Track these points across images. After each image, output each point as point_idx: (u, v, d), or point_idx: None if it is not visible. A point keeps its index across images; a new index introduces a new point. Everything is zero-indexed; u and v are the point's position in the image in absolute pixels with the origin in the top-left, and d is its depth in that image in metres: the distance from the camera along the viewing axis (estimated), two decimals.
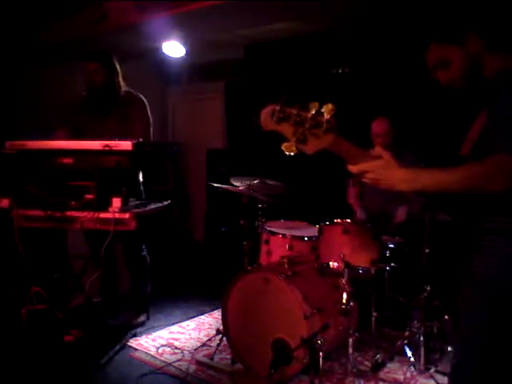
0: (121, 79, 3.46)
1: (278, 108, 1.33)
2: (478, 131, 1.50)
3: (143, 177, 3.53)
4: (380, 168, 1.37)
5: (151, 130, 3.45)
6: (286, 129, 1.32)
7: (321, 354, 2.34)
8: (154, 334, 3.44)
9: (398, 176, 1.35)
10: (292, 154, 1.31)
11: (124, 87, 3.48)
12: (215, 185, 3.38)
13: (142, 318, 3.61)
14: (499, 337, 1.35)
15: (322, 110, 1.31)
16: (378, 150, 1.40)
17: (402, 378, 2.77)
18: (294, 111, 1.32)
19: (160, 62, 5.55)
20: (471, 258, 1.41)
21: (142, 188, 3.49)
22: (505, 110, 1.28)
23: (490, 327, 1.37)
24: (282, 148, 1.31)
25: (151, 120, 3.47)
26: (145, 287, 3.63)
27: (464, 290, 1.44)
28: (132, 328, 3.47)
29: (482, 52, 1.47)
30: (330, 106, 1.31)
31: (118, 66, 3.45)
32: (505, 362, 1.35)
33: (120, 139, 2.80)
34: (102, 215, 2.74)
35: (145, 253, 3.60)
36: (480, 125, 1.49)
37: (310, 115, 1.31)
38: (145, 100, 3.47)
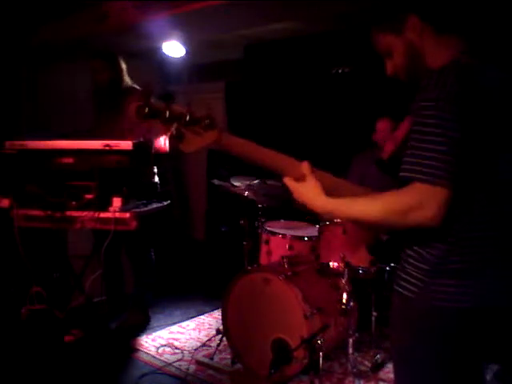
0: (126, 77, 3.48)
1: (142, 103, 1.24)
2: (404, 132, 1.46)
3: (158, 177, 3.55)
4: (302, 193, 1.37)
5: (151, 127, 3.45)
6: (157, 125, 1.25)
7: (321, 353, 2.34)
8: (154, 334, 3.44)
9: (316, 204, 1.35)
10: (165, 151, 1.27)
11: (129, 83, 3.50)
12: (216, 182, 3.38)
13: (143, 319, 3.61)
14: (410, 355, 1.32)
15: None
16: (305, 167, 1.38)
17: None
18: (163, 106, 1.24)
19: (160, 62, 5.54)
20: (397, 276, 1.35)
21: (158, 189, 3.50)
22: (426, 127, 1.17)
23: (402, 345, 1.35)
24: (154, 143, 1.27)
25: None
26: (147, 288, 3.63)
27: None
28: (133, 328, 3.47)
29: (422, 38, 1.32)
30: (208, 105, 1.27)
31: (123, 64, 3.47)
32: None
33: (122, 138, 2.81)
34: (103, 215, 2.74)
35: (151, 255, 3.60)
36: (407, 126, 1.44)
37: (185, 111, 1.24)
38: None
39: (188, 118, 1.22)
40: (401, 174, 1.20)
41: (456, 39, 1.32)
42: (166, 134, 1.23)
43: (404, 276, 1.31)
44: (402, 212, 1.18)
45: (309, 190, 1.36)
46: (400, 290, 1.31)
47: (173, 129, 1.22)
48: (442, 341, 1.25)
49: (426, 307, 1.25)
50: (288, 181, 1.40)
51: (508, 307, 1.23)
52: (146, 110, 1.22)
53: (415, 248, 1.28)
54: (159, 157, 3.19)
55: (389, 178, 1.58)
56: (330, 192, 1.35)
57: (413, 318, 1.29)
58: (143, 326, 3.54)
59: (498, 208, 1.23)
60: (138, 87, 3.50)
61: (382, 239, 3.01)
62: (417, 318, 1.28)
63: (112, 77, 3.40)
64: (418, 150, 1.17)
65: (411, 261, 1.29)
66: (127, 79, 3.49)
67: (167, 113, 1.22)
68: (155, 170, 3.54)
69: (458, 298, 1.21)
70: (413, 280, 1.27)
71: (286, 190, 1.41)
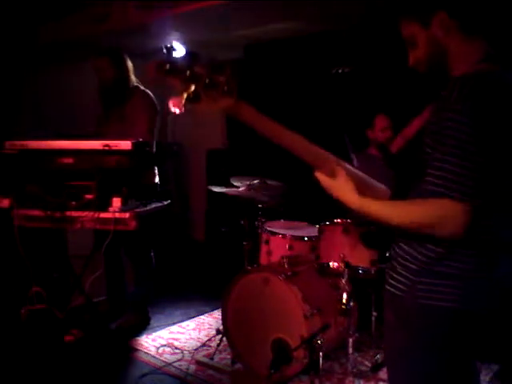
0: (132, 75, 3.46)
1: (163, 59, 1.21)
2: (415, 129, 1.46)
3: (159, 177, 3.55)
4: (335, 188, 1.39)
5: (153, 124, 3.44)
6: (175, 83, 1.22)
7: (321, 353, 2.34)
8: (154, 334, 3.44)
9: (350, 200, 1.36)
10: (179, 110, 1.20)
11: (134, 83, 3.48)
12: (216, 189, 3.37)
13: (144, 319, 3.61)
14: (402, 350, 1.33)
15: (222, 70, 1.21)
16: (335, 165, 1.41)
17: None
18: (185, 65, 1.21)
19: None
20: (387, 274, 1.38)
21: (158, 189, 3.50)
22: (451, 140, 1.17)
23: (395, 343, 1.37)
24: (169, 103, 1.21)
25: (155, 114, 3.46)
26: (147, 288, 3.63)
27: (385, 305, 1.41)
28: (133, 328, 3.47)
29: (448, 36, 1.30)
30: (229, 66, 1.22)
31: (128, 63, 3.44)
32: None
33: (123, 138, 2.81)
34: (102, 215, 2.74)
35: (151, 255, 3.60)
36: (420, 122, 1.43)
37: (205, 72, 1.20)
38: (151, 95, 3.46)
39: (208, 80, 1.20)
40: (429, 187, 1.21)
41: (480, 42, 1.30)
42: (182, 92, 1.20)
43: (393, 274, 1.33)
44: (428, 225, 1.21)
45: (342, 186, 1.38)
46: (389, 287, 1.34)
47: (191, 89, 1.20)
48: (430, 339, 1.26)
49: (413, 305, 1.27)
50: (320, 176, 1.41)
51: (499, 309, 1.24)
52: (168, 66, 1.19)
53: (406, 248, 1.31)
54: (160, 157, 3.19)
55: (387, 174, 1.59)
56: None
57: (402, 316, 1.31)
58: (143, 326, 3.53)
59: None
60: (141, 87, 3.49)
61: (372, 229, 3.00)
62: (405, 316, 1.30)
63: (117, 75, 3.36)
64: (446, 164, 1.18)
65: (400, 260, 1.32)
66: (133, 78, 3.47)
67: (188, 72, 1.19)
68: (156, 171, 3.54)
69: (446, 298, 1.22)
70: (401, 278, 1.30)
71: (318, 183, 1.42)
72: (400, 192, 1.39)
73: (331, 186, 1.40)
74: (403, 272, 1.30)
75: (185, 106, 1.20)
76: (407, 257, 1.29)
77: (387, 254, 3.00)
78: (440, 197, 1.18)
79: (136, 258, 3.57)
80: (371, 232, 2.85)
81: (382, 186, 1.50)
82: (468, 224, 1.17)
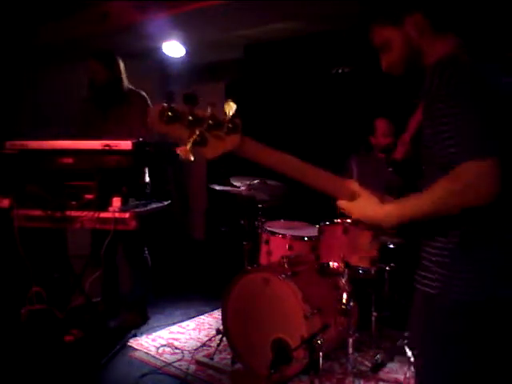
0: (125, 77, 3.47)
1: (165, 106, 1.16)
2: (412, 132, 1.45)
3: (149, 177, 3.54)
4: (361, 210, 1.34)
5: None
6: (178, 130, 1.18)
7: (321, 353, 2.34)
8: (154, 334, 3.44)
9: (380, 216, 1.31)
10: (188, 159, 1.15)
11: (128, 84, 3.49)
12: (217, 188, 3.37)
13: (142, 319, 3.61)
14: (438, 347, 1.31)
15: (225, 110, 1.16)
16: (354, 184, 1.35)
17: (401, 377, 2.77)
18: (187, 109, 1.16)
19: (160, 62, 5.54)
20: (416, 273, 1.36)
21: (148, 189, 3.50)
22: (447, 110, 1.18)
23: (431, 339, 1.34)
24: (178, 153, 1.15)
25: None
26: (145, 288, 3.63)
27: (414, 302, 1.40)
28: (132, 328, 3.47)
29: (422, 35, 1.33)
30: (231, 103, 1.17)
31: (121, 65, 3.45)
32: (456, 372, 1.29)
33: (121, 138, 2.81)
34: (102, 215, 2.74)
35: (146, 254, 3.60)
36: (415, 124, 1.43)
37: (207, 114, 1.16)
38: (146, 96, 3.48)
39: (211, 121, 1.16)
40: (445, 159, 1.18)
41: (452, 38, 1.33)
42: (188, 139, 1.16)
43: (424, 273, 1.32)
44: (461, 192, 1.16)
45: (367, 205, 1.33)
46: (422, 287, 1.32)
47: (196, 134, 1.15)
48: (468, 337, 1.25)
49: (448, 302, 1.26)
50: (342, 203, 1.36)
51: None
52: (169, 113, 1.15)
53: (433, 244, 1.30)
54: (155, 156, 3.18)
55: (385, 177, 1.58)
56: None
57: (438, 315, 1.30)
58: (139, 326, 3.53)
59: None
60: (136, 89, 3.50)
61: (388, 245, 3.01)
62: (442, 314, 1.28)
63: (110, 77, 3.38)
64: (451, 133, 1.17)
65: (432, 258, 1.31)
66: (126, 80, 3.48)
67: (190, 117, 1.16)
68: (146, 170, 3.53)
69: (479, 291, 1.22)
70: (434, 276, 1.29)
71: (343, 212, 1.36)
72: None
73: (356, 209, 1.35)
74: (435, 269, 1.29)
75: (192, 152, 1.16)
76: (437, 252, 1.29)
77: (391, 246, 2.98)
78: (462, 163, 1.15)
79: (134, 258, 3.57)
80: (386, 248, 2.85)
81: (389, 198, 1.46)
82: (499, 177, 1.14)
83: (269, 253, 3.20)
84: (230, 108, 1.16)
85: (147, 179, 3.53)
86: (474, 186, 1.15)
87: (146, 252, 3.60)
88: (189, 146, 1.16)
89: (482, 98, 1.19)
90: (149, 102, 3.47)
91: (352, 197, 1.35)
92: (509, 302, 1.23)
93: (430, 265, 1.31)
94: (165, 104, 1.15)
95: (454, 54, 1.28)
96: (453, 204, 1.19)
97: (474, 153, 1.14)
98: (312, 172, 1.34)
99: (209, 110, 1.16)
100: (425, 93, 1.26)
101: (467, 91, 1.18)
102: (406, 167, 1.49)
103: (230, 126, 1.17)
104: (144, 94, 3.49)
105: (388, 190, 1.39)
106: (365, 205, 1.33)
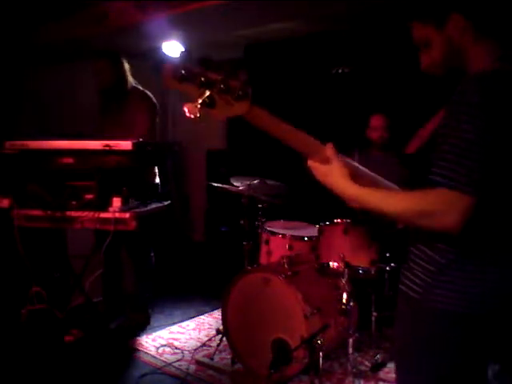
0: (130, 77, 3.48)
1: (179, 64, 1.19)
2: (430, 130, 1.44)
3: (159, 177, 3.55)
4: (326, 174, 1.35)
5: (154, 125, 3.45)
6: (190, 89, 1.20)
7: (321, 353, 2.34)
8: (154, 334, 3.44)
9: (340, 186, 1.33)
10: (194, 116, 1.18)
11: (132, 84, 3.50)
12: (215, 184, 3.39)
13: (143, 319, 3.61)
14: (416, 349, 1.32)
15: (238, 77, 1.20)
16: (330, 149, 1.36)
17: None
18: (200, 71, 1.19)
19: (160, 62, 5.56)
20: (402, 274, 1.36)
21: (159, 189, 3.51)
22: (462, 132, 1.15)
23: (408, 342, 1.35)
24: (184, 109, 1.18)
25: (155, 115, 3.47)
26: (147, 288, 3.63)
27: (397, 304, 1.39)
28: (137, 328, 3.47)
29: (463, 37, 1.30)
30: (244, 72, 1.21)
31: (126, 64, 3.47)
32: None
33: (122, 138, 2.81)
34: (102, 215, 2.74)
35: (152, 254, 3.60)
36: (434, 124, 1.42)
37: (219, 77, 1.19)
38: (151, 96, 3.48)
39: (222, 85, 1.18)
40: (430, 176, 1.19)
41: (493, 43, 1.31)
42: (198, 98, 1.19)
43: (409, 275, 1.31)
44: (423, 214, 1.18)
45: (333, 173, 1.33)
46: (405, 289, 1.32)
47: (206, 95, 1.18)
48: (444, 345, 1.25)
49: (430, 309, 1.26)
50: (312, 163, 1.37)
51: (501, 310, 1.23)
52: (182, 72, 1.18)
53: (424, 249, 1.29)
54: (160, 157, 3.19)
55: (391, 174, 1.58)
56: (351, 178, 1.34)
57: (418, 319, 1.29)
58: (143, 326, 3.53)
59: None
60: (140, 88, 3.51)
61: (388, 245, 3.01)
62: (421, 319, 1.28)
63: (116, 77, 3.39)
64: (450, 155, 1.16)
65: (418, 261, 1.30)
66: (131, 79, 3.49)
67: (202, 78, 1.18)
68: (156, 171, 3.55)
69: (460, 304, 1.22)
70: (417, 280, 1.28)
71: (310, 173, 1.37)
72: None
73: (320, 172, 1.36)
74: (420, 274, 1.28)
75: (200, 111, 1.19)
76: (426, 258, 1.28)
77: (387, 254, 3.01)
78: (440, 186, 1.16)
79: (136, 258, 3.57)
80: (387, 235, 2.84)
81: (393, 186, 1.45)
82: (467, 217, 1.14)
83: (269, 253, 3.21)
84: (243, 76, 1.20)
85: (157, 180, 3.54)
86: (439, 213, 1.16)
87: (152, 253, 3.61)
88: (197, 105, 1.18)
89: (498, 130, 1.16)
90: (154, 100, 3.48)
91: (325, 161, 1.35)
92: (489, 316, 1.23)
93: (416, 268, 1.30)
94: (180, 62, 1.19)
95: (497, 67, 1.25)
96: (409, 221, 1.24)
97: (454, 182, 1.14)
98: (295, 134, 1.35)
99: (221, 75, 1.18)
100: (453, 100, 1.23)
101: (494, 111, 1.15)
102: (415, 161, 1.49)
103: (240, 93, 1.20)
104: (149, 93, 3.50)
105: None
106: (331, 171, 1.34)
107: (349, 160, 1.41)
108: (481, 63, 1.28)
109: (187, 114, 1.19)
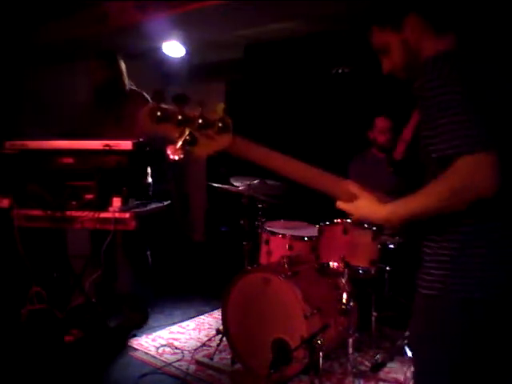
0: (125, 77, 3.47)
1: (154, 106, 1.18)
2: (411, 131, 1.45)
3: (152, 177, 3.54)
4: (362, 210, 1.33)
5: None
6: (169, 129, 1.19)
7: (321, 353, 2.34)
8: (154, 334, 3.44)
9: (381, 214, 1.31)
10: (178, 157, 1.21)
11: (129, 85, 3.50)
12: (215, 184, 3.39)
13: (142, 319, 3.60)
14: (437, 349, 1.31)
15: (215, 109, 1.19)
16: (353, 186, 1.35)
17: (401, 377, 2.77)
18: (177, 109, 1.18)
19: (160, 62, 5.54)
20: (418, 272, 1.36)
21: (150, 189, 3.50)
22: (445, 104, 1.16)
23: (428, 339, 1.33)
24: (168, 152, 1.22)
25: None
26: (145, 287, 3.63)
27: (415, 302, 1.39)
28: (135, 328, 3.47)
29: (422, 38, 1.32)
30: (222, 104, 1.19)
31: (122, 65, 3.46)
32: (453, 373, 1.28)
33: (121, 138, 2.81)
34: (102, 215, 2.74)
35: (147, 253, 3.60)
36: (414, 123, 1.42)
37: (197, 113, 1.18)
38: (147, 96, 3.48)
39: (201, 120, 1.17)
40: (440, 154, 1.17)
41: (451, 37, 1.33)
42: (178, 138, 1.17)
43: (426, 277, 1.31)
44: (466, 188, 1.15)
45: (367, 205, 1.32)
46: (424, 290, 1.31)
47: (186, 133, 1.17)
48: (469, 337, 1.25)
49: (450, 302, 1.26)
50: (342, 205, 1.36)
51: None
52: (159, 113, 1.17)
53: (432, 245, 1.30)
54: (156, 156, 3.19)
55: (385, 177, 1.58)
56: None
57: (435, 310, 1.30)
58: (142, 326, 3.53)
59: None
60: (137, 89, 3.50)
61: (389, 246, 3.01)
62: (439, 309, 1.28)
63: (111, 77, 3.38)
64: (448, 125, 1.15)
65: (431, 258, 1.30)
66: (126, 81, 3.49)
67: (179, 116, 1.17)
68: (148, 171, 3.54)
69: (476, 289, 1.22)
70: (435, 278, 1.28)
71: (345, 213, 1.36)
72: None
73: (357, 209, 1.34)
74: (434, 271, 1.28)
75: (182, 151, 1.18)
76: (436, 248, 1.28)
77: (391, 246, 2.98)
78: (458, 157, 1.14)
79: (134, 258, 3.56)
80: (387, 249, 2.84)
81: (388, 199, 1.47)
82: (498, 171, 1.12)
83: (269, 253, 3.20)
84: (221, 108, 1.18)
85: (149, 180, 3.53)
86: (475, 180, 1.14)
87: (148, 252, 3.60)
88: (178, 145, 1.17)
89: (478, 95, 1.18)
90: (149, 100, 3.48)
91: (351, 197, 1.34)
92: (507, 300, 1.23)
93: (429, 265, 1.31)
94: (154, 104, 1.16)
95: (451, 50, 1.28)
96: (456, 201, 1.17)
97: (472, 146, 1.13)
98: (308, 171, 1.34)
99: (199, 110, 1.17)
100: (419, 88, 1.25)
101: (464, 86, 1.17)
102: (406, 167, 1.49)
103: (220, 125, 1.18)
104: (145, 94, 3.49)
105: (387, 191, 1.40)
106: (366, 204, 1.33)
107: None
108: (436, 52, 1.29)
109: (171, 157, 1.18)
